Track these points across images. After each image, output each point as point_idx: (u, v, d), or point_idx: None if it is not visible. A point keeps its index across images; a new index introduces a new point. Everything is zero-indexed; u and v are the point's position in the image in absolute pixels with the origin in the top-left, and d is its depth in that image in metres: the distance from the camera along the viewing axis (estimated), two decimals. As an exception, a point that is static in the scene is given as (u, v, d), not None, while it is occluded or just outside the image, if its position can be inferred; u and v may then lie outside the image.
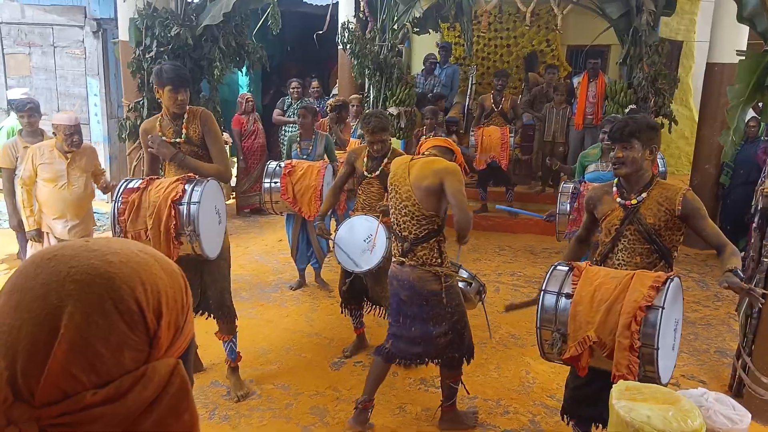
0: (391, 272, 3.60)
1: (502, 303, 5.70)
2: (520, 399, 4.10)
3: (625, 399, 2.09)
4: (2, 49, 8.05)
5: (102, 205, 7.86)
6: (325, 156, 5.82)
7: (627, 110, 6.42)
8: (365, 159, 4.39)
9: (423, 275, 3.40)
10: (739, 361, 4.10)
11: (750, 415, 2.49)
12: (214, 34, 6.09)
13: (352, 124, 6.81)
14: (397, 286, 3.53)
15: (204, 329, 4.03)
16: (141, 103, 6.02)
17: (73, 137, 4.60)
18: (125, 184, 3.53)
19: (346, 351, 4.67)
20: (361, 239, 4.25)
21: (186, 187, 3.42)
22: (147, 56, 5.82)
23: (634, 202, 2.89)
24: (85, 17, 7.77)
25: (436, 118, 7.43)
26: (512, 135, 7.61)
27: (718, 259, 2.82)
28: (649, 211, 2.86)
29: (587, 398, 2.92)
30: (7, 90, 7.87)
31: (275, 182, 5.33)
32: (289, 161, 5.54)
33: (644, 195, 2.88)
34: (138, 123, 6.08)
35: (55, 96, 8.09)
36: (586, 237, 3.31)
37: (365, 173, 4.38)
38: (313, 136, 5.85)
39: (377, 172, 4.34)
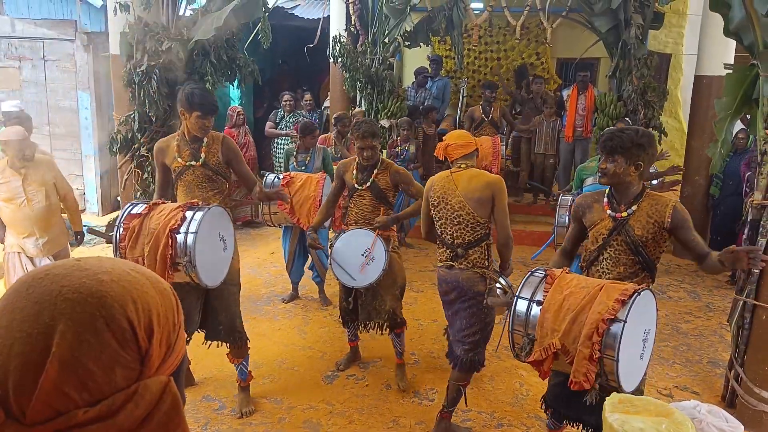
0: (439, 276, 3.83)
1: (496, 315, 5.71)
2: (514, 411, 4.10)
3: (618, 412, 2.08)
4: (-8, 62, 8.03)
5: (92, 218, 7.82)
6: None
7: (618, 125, 6.46)
8: (354, 171, 4.31)
9: (472, 276, 3.65)
10: (732, 372, 4.11)
11: (742, 427, 2.49)
12: (205, 48, 6.08)
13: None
14: (446, 288, 3.79)
15: (196, 342, 4.00)
16: (132, 116, 6.00)
17: (24, 152, 4.46)
18: (129, 209, 3.48)
19: (340, 364, 4.64)
20: (358, 253, 4.17)
21: (186, 214, 3.35)
22: (138, 70, 5.81)
23: (624, 214, 2.92)
24: (76, 31, 7.76)
25: (411, 129, 7.51)
26: (503, 144, 7.62)
27: (700, 267, 2.90)
28: (638, 223, 2.89)
29: (563, 397, 2.99)
30: (-3, 104, 7.84)
31: None
32: (287, 173, 5.54)
33: (634, 207, 2.91)
34: (129, 136, 6.06)
35: (46, 109, 8.05)
36: (572, 249, 3.31)
37: (356, 185, 4.28)
38: (311, 149, 5.86)
39: (368, 184, 4.24)
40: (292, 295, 5.97)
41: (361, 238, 4.22)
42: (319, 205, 5.28)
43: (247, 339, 4.00)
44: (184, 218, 3.33)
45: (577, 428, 3.14)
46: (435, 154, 3.94)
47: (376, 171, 4.24)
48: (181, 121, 3.78)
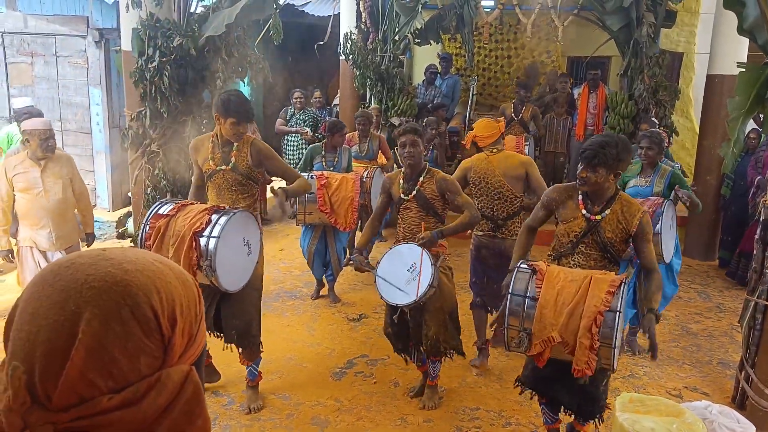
0: (479, 243, 4.51)
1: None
2: (522, 410, 4.09)
3: (628, 411, 2.08)
4: (5, 58, 8.07)
5: (103, 213, 7.87)
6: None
7: (642, 125, 6.36)
8: (401, 182, 4.03)
9: (512, 244, 3.90)
10: (742, 373, 4.08)
11: (754, 428, 2.48)
12: (216, 44, 6.10)
13: (377, 134, 6.77)
14: (485, 254, 4.50)
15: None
16: (143, 112, 6.02)
17: (48, 141, 4.50)
18: (156, 208, 3.48)
19: (411, 391, 4.28)
20: (405, 269, 3.85)
21: (212, 218, 3.34)
22: (149, 66, 5.83)
23: (597, 218, 3.12)
24: (88, 27, 7.80)
25: (438, 128, 7.45)
26: (527, 143, 7.56)
27: (647, 279, 3.17)
28: (609, 226, 3.11)
29: (544, 378, 3.17)
30: (9, 99, 7.90)
31: (310, 194, 5.19)
32: (320, 172, 5.52)
33: (607, 211, 3.11)
34: (140, 132, 6.08)
35: (57, 105, 8.10)
36: (536, 228, 3.52)
37: (402, 196, 3.99)
38: (339, 148, 5.86)
39: (414, 193, 3.94)
40: (317, 290, 5.97)
41: (406, 252, 3.89)
42: (356, 205, 5.33)
43: (260, 344, 3.96)
44: (209, 221, 3.32)
45: (567, 414, 3.31)
46: (463, 143, 4.21)
47: (421, 179, 3.95)
48: (216, 124, 3.78)
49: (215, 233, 3.28)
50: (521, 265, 3.10)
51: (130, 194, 6.89)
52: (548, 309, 2.86)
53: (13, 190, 4.55)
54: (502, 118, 5.73)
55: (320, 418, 3.94)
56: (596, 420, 3.19)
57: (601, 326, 2.72)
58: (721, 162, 5.83)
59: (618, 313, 2.73)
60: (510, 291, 2.99)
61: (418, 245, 3.82)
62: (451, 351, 4.02)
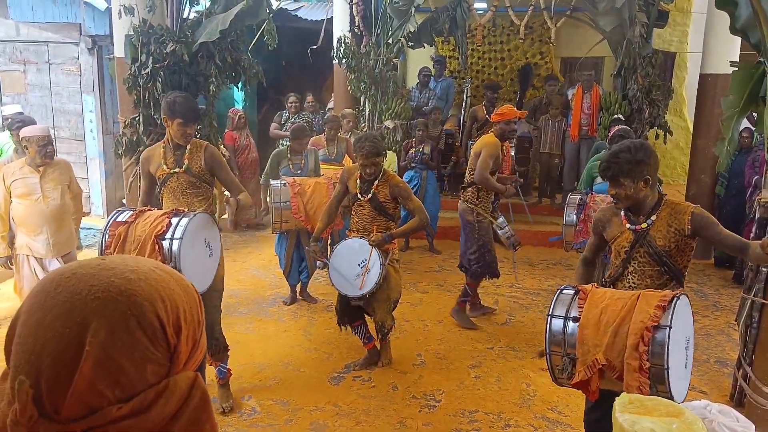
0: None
1: (501, 314, 5.71)
2: (521, 412, 4.08)
3: (628, 412, 2.07)
4: (-3, 66, 8.06)
5: (97, 220, 7.83)
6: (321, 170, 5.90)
7: (613, 128, 6.26)
8: (357, 180, 4.37)
9: (465, 208, 5.26)
10: (740, 371, 4.09)
11: (754, 427, 2.48)
12: (210, 50, 6.09)
13: (345, 137, 6.78)
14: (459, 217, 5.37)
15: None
16: (137, 119, 6.00)
17: (46, 148, 4.51)
18: (115, 216, 3.49)
19: (356, 365, 4.64)
20: (356, 263, 4.28)
21: (172, 221, 3.36)
22: (143, 72, 5.82)
23: (644, 225, 2.87)
24: (80, 34, 7.78)
25: (426, 130, 7.50)
26: (512, 144, 7.57)
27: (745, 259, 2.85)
28: (659, 233, 2.84)
29: (598, 420, 2.87)
30: (1, 107, 7.87)
31: (285, 203, 5.32)
32: (292, 179, 5.52)
33: (653, 218, 2.86)
34: (134, 139, 6.07)
35: (51, 113, 8.08)
36: (593, 258, 3.29)
37: (358, 195, 4.37)
38: (304, 152, 5.87)
39: (369, 195, 4.31)
40: (292, 297, 5.97)
41: (359, 248, 4.30)
42: None
43: (226, 346, 4.03)
44: (170, 224, 3.33)
45: None
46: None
47: (377, 183, 4.31)
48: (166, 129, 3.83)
49: (177, 235, 3.28)
50: (564, 289, 2.84)
51: (124, 201, 6.87)
52: (590, 329, 2.59)
53: (11, 197, 4.54)
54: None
55: (319, 423, 3.92)
56: None
57: (650, 344, 2.43)
58: (716, 161, 5.84)
59: (669, 328, 2.44)
60: (549, 313, 2.77)
61: (371, 245, 4.24)
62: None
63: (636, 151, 2.80)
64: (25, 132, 4.55)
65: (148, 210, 3.56)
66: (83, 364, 0.74)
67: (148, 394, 0.77)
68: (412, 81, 10.09)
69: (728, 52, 6.72)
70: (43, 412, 0.74)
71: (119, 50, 6.11)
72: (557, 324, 2.72)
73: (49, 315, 0.76)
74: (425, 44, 8.80)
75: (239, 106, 9.84)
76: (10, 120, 5.59)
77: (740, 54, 6.79)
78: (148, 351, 0.78)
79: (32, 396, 0.73)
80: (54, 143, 4.72)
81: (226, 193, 4.12)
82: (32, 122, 5.38)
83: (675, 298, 2.51)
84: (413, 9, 8.03)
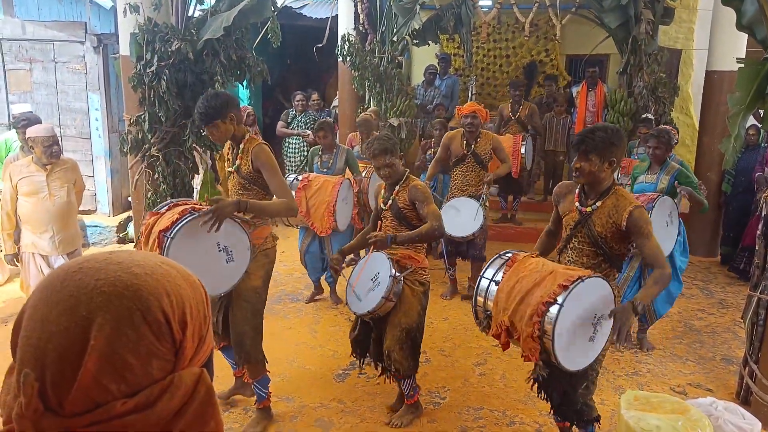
0: None
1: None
2: (526, 409, 4.08)
3: (634, 409, 2.07)
4: (3, 65, 8.07)
5: (103, 219, 7.86)
6: (347, 170, 5.82)
7: (643, 129, 6.43)
8: (383, 191, 3.93)
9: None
10: (746, 369, 4.08)
11: (760, 424, 2.48)
12: (214, 48, 6.08)
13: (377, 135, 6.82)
14: None
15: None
16: (142, 117, 6.01)
17: (52, 148, 4.54)
18: (159, 206, 3.44)
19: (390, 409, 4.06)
20: (369, 278, 3.73)
21: (185, 217, 3.16)
22: (148, 71, 5.82)
23: (588, 209, 3.06)
24: (86, 33, 7.79)
25: (444, 129, 7.44)
26: (524, 143, 7.54)
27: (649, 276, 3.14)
28: (599, 220, 3.03)
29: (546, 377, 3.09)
30: (8, 106, 7.90)
31: None
32: (306, 175, 5.52)
33: (598, 204, 3.04)
34: (139, 137, 6.07)
35: (57, 111, 8.10)
36: (555, 230, 3.45)
37: (381, 206, 3.88)
38: (335, 150, 5.82)
39: (389, 203, 3.81)
40: (313, 293, 5.95)
41: (377, 262, 3.75)
42: (333, 210, 5.28)
43: (260, 361, 3.70)
44: (176, 220, 3.16)
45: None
46: None
47: (397, 188, 3.80)
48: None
49: (171, 232, 3.10)
50: (504, 253, 3.17)
51: (130, 199, 6.89)
52: (503, 293, 2.93)
53: (17, 194, 4.56)
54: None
55: (324, 420, 3.93)
56: (574, 424, 3.11)
57: (542, 316, 2.73)
58: (722, 158, 5.82)
59: (560, 306, 2.70)
60: (481, 274, 3.13)
61: (370, 242, 3.73)
62: (406, 375, 3.73)
63: (612, 134, 2.99)
64: (31, 132, 4.59)
65: (183, 203, 3.40)
66: (88, 359, 0.74)
67: (153, 390, 0.77)
68: (417, 79, 10.09)
69: (734, 48, 6.69)
70: (48, 406, 0.74)
71: (124, 48, 6.11)
72: (483, 284, 3.10)
73: (55, 309, 0.76)
74: (430, 42, 8.80)
75: (244, 104, 9.85)
76: (15, 119, 5.61)
77: (746, 50, 6.76)
78: (153, 346, 0.78)
79: (37, 390, 0.74)
80: (60, 142, 4.75)
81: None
82: (38, 121, 5.41)
83: (578, 280, 2.73)
84: (418, 6, 8.02)
